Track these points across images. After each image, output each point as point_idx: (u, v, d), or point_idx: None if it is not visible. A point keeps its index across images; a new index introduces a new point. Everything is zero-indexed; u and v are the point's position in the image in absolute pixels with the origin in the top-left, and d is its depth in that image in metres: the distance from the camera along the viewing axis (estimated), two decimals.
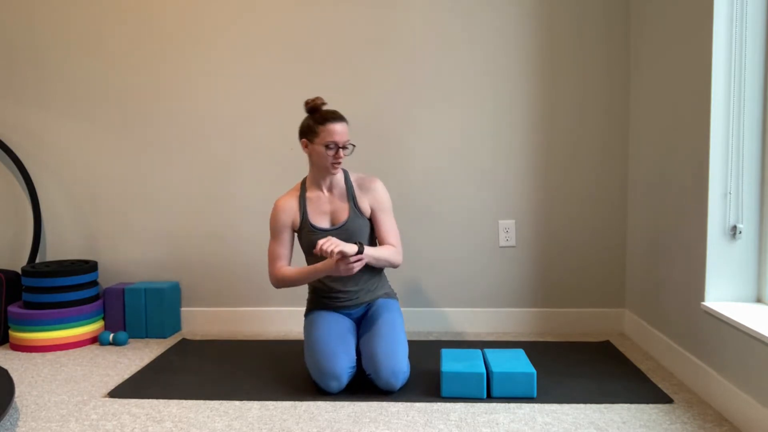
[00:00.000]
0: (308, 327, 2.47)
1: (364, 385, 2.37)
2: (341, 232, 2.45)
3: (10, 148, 3.21)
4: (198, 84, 3.16)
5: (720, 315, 2.11)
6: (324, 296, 2.53)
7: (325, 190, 2.50)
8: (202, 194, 3.20)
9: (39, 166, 3.24)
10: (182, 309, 3.26)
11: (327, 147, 2.39)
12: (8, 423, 2.08)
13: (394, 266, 2.48)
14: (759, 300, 2.23)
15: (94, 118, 3.21)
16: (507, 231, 3.12)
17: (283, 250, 2.48)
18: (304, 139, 2.45)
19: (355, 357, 2.34)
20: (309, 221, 2.47)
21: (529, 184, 3.10)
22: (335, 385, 2.27)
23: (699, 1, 2.28)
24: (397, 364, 2.27)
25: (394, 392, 2.30)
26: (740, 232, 2.21)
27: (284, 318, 3.21)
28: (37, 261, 3.24)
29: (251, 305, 3.23)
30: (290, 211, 2.48)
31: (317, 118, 2.41)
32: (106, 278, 3.27)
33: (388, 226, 2.50)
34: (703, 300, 2.25)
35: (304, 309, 3.20)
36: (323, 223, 2.48)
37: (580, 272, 3.13)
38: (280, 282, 2.47)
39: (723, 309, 2.14)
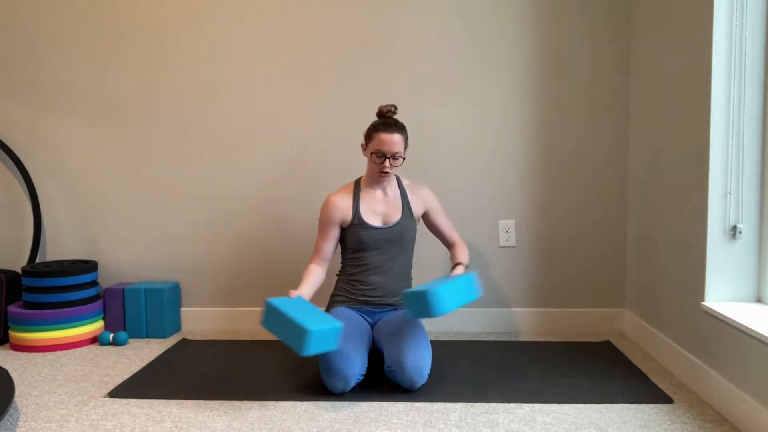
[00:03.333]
0: None
1: (364, 385, 2.37)
2: (392, 231, 2.56)
3: (10, 148, 3.21)
4: (198, 85, 3.15)
5: (720, 315, 2.11)
6: (352, 292, 2.57)
7: (379, 191, 2.60)
8: (202, 194, 3.20)
9: (39, 166, 3.24)
10: (182, 309, 3.26)
11: (376, 155, 2.48)
12: (8, 423, 2.08)
13: None
14: (759, 300, 2.23)
15: (95, 118, 3.21)
16: (507, 231, 3.12)
17: (327, 245, 2.56)
18: (362, 142, 2.57)
19: (366, 365, 2.35)
20: (361, 218, 2.54)
21: (529, 184, 3.10)
22: (341, 387, 2.28)
23: (699, 1, 2.28)
24: (422, 363, 2.30)
25: (413, 390, 2.31)
26: (740, 232, 2.21)
27: None
28: (37, 261, 3.24)
29: (251, 305, 3.23)
30: (343, 209, 2.55)
31: (375, 124, 2.52)
32: (106, 278, 3.27)
33: (447, 225, 2.71)
34: (703, 300, 2.25)
35: None
36: (375, 221, 2.56)
37: (580, 272, 3.13)
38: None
39: (723, 309, 2.14)
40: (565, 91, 3.06)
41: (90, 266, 3.04)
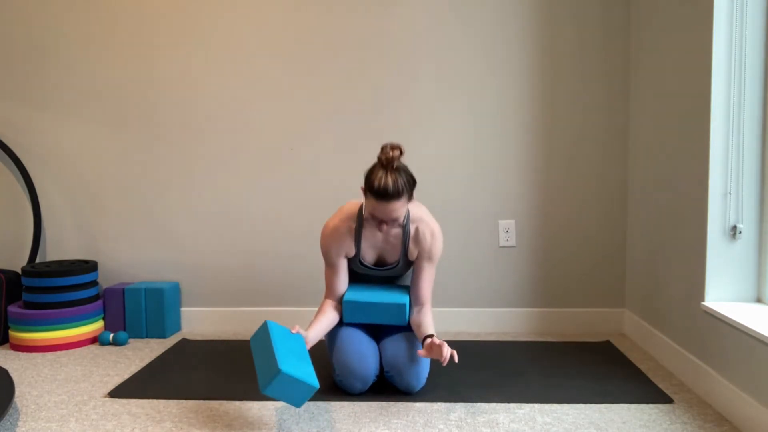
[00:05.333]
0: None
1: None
2: (386, 272, 2.42)
3: (10, 148, 3.21)
4: (198, 83, 3.15)
5: (720, 315, 2.11)
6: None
7: (380, 234, 2.36)
8: (202, 194, 3.20)
9: (39, 166, 3.24)
10: (182, 309, 3.26)
11: (372, 216, 2.22)
12: (8, 423, 2.08)
13: None
14: (759, 300, 2.23)
15: (95, 117, 3.21)
16: (507, 231, 3.12)
17: (339, 281, 2.37)
18: (362, 186, 2.22)
19: (379, 364, 2.34)
20: (360, 257, 2.38)
21: (529, 184, 3.10)
22: (360, 387, 2.27)
23: (699, 1, 2.28)
24: (420, 368, 2.28)
25: (411, 394, 2.30)
26: (740, 232, 2.21)
27: (284, 318, 3.21)
28: (37, 261, 3.24)
29: (251, 305, 3.23)
30: (344, 243, 2.34)
31: (372, 186, 2.14)
32: (106, 278, 3.27)
33: (428, 279, 2.37)
34: (703, 300, 2.25)
35: (304, 309, 3.20)
36: (371, 259, 2.40)
37: (580, 272, 3.13)
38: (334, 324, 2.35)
39: (723, 309, 2.14)
40: (565, 91, 3.06)
41: (90, 266, 3.04)
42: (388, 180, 2.12)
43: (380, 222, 2.21)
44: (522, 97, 3.07)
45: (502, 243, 3.13)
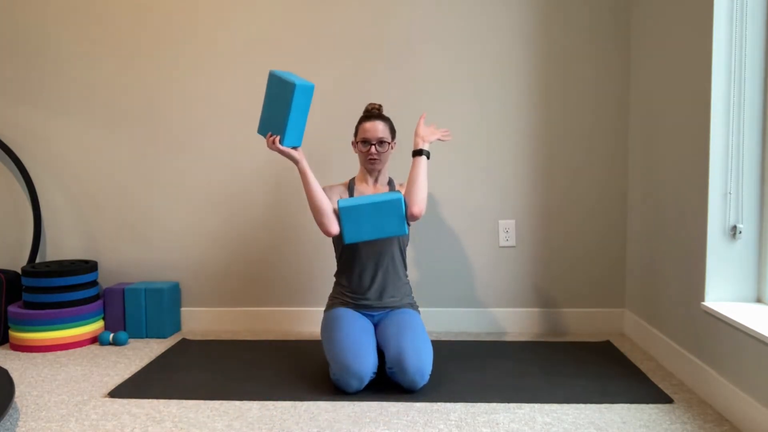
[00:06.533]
0: (332, 322, 2.47)
1: (365, 385, 2.36)
2: None
3: (10, 148, 3.21)
4: (198, 83, 3.16)
5: (720, 315, 2.11)
6: (349, 295, 2.55)
7: (371, 189, 2.61)
8: (203, 194, 3.20)
9: (39, 166, 3.24)
10: (182, 309, 3.26)
11: (362, 143, 2.54)
12: (8, 423, 2.08)
13: (420, 206, 2.43)
14: (759, 300, 2.23)
15: (95, 117, 3.21)
16: (507, 231, 3.13)
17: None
18: (353, 140, 2.64)
19: (377, 362, 2.34)
20: None
21: (529, 184, 3.10)
22: (356, 385, 2.27)
23: (699, 1, 2.28)
24: (423, 364, 2.29)
25: (414, 391, 2.30)
26: (740, 232, 2.21)
27: (284, 318, 3.21)
28: (37, 261, 3.24)
29: (251, 305, 3.23)
30: (338, 189, 2.59)
31: (360, 117, 2.60)
32: (106, 278, 3.27)
33: None
34: (703, 300, 2.25)
35: (304, 309, 3.20)
36: None
37: (580, 272, 3.13)
38: (330, 214, 2.44)
39: (723, 309, 2.14)
40: (566, 91, 3.06)
41: (90, 266, 3.04)
42: (372, 112, 2.58)
43: (369, 149, 2.52)
44: (522, 98, 3.07)
45: (502, 243, 3.13)
